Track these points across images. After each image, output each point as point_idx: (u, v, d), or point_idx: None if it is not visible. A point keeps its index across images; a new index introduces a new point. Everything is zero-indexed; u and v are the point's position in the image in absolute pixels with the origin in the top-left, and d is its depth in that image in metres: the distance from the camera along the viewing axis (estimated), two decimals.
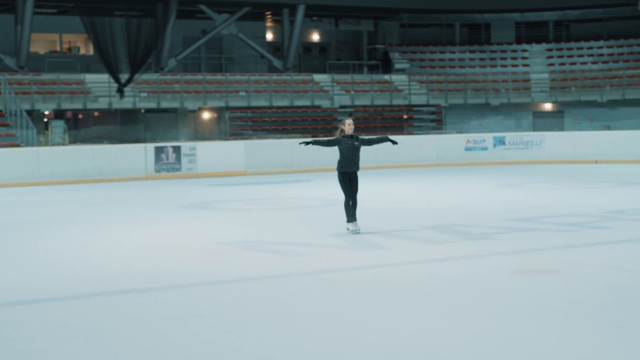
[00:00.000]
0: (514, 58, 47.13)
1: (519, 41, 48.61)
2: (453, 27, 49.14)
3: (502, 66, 46.42)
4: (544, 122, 42.65)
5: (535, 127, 42.20)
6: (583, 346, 7.03)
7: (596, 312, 8.18)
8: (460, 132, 38.80)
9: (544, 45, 47.66)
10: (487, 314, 8.20)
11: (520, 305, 8.56)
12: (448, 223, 15.24)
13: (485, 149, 34.24)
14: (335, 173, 14.19)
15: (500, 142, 34.65)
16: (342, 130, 14.14)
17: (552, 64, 46.14)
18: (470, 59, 47.21)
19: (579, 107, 42.16)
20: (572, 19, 48.46)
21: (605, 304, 8.55)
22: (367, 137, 14.48)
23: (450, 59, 47.14)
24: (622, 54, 45.60)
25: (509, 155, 34.48)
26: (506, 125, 42.07)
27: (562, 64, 45.96)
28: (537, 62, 46.59)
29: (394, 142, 14.63)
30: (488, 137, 34.99)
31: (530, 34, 48.78)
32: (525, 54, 47.35)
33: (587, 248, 12.15)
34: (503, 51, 47.69)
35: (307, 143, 14.15)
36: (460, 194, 21.87)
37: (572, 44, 47.31)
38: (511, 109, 42.92)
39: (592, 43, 46.96)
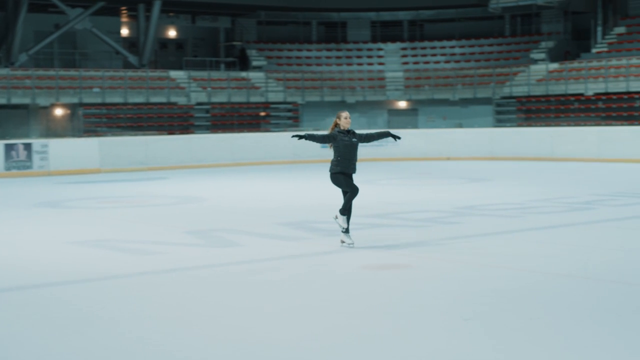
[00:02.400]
0: (370, 57, 47.76)
1: (374, 40, 49.28)
2: (310, 25, 49.44)
3: (358, 64, 46.98)
4: (398, 119, 43.38)
5: (390, 125, 42.87)
6: (430, 339, 7.17)
7: (445, 305, 8.36)
8: (317, 130, 39.08)
9: (398, 44, 48.46)
10: (340, 310, 8.28)
11: (371, 300, 8.68)
12: (304, 220, 15.34)
13: None
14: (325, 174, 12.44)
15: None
16: (337, 125, 12.20)
17: (406, 63, 46.94)
18: (327, 57, 47.60)
19: (433, 105, 43.05)
20: (425, 18, 49.43)
21: (454, 297, 8.75)
22: (365, 133, 12.57)
23: (307, 57, 47.43)
24: (473, 53, 46.78)
25: (364, 152, 34.85)
26: (361, 123, 42.61)
27: (416, 62, 46.83)
28: (392, 61, 47.34)
29: (397, 137, 12.63)
30: None
31: (385, 33, 49.53)
32: (381, 53, 48.03)
33: (438, 243, 12.41)
34: (359, 49, 48.27)
35: (300, 137, 11.99)
36: (316, 191, 22.04)
37: (426, 44, 48.26)
38: (367, 106, 43.49)
39: (445, 43, 48.01)
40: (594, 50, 42.30)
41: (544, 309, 8.14)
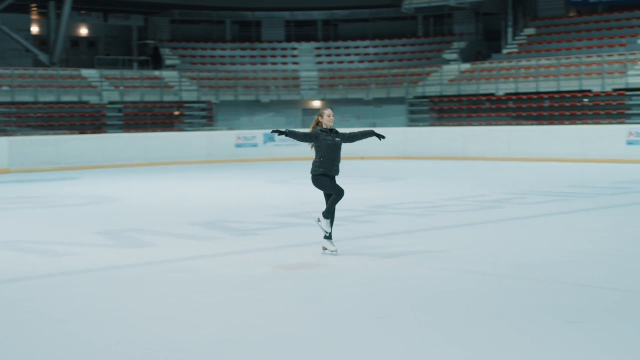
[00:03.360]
0: (284, 56, 47.79)
1: (289, 39, 49.35)
2: (224, 24, 49.29)
3: (273, 64, 46.96)
4: (313, 119, 43.35)
5: (304, 124, 42.94)
6: (342, 338, 7.18)
7: (358, 304, 8.39)
8: (231, 129, 38.97)
9: (313, 44, 48.60)
10: (255, 310, 8.25)
11: (286, 299, 8.68)
12: (217, 219, 15.27)
13: (255, 145, 34.57)
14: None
15: (270, 139, 35.08)
16: (320, 123, 11.47)
17: (320, 63, 47.09)
18: (242, 57, 47.50)
19: (347, 104, 43.24)
20: (340, 19, 49.69)
21: (367, 296, 8.80)
22: (348, 132, 11.87)
23: (221, 56, 47.25)
24: (387, 53, 47.16)
25: (279, 152, 34.97)
26: (276, 122, 42.60)
27: (331, 62, 47.01)
28: (307, 61, 47.44)
29: (381, 137, 12.00)
30: (258, 134, 35.35)
31: (300, 32, 49.65)
32: (295, 52, 48.11)
33: (351, 242, 12.46)
34: (273, 49, 48.27)
35: (281, 133, 10.88)
36: (230, 191, 21.99)
37: (340, 43, 48.49)
38: (281, 106, 43.49)
39: (359, 43, 48.31)
40: (504, 51, 43.00)
41: (455, 306, 8.23)
